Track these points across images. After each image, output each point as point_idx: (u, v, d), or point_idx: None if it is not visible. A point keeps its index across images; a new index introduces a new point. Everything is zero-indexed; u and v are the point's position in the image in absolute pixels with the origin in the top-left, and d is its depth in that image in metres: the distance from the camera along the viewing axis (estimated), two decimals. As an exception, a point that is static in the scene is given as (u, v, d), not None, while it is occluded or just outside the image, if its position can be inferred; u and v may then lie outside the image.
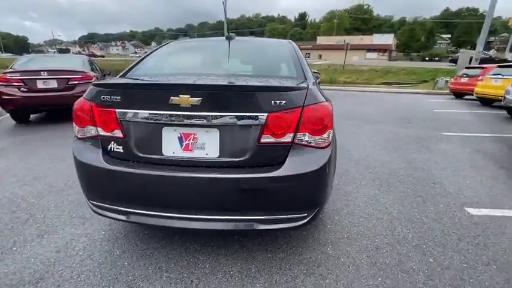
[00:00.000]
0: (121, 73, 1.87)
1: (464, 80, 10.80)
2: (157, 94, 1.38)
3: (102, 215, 1.54)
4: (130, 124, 1.41)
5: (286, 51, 2.07)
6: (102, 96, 1.43)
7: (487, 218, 2.22)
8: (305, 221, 1.45)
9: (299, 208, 1.44)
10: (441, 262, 1.71)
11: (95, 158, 1.45)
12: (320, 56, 54.68)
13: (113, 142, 1.46)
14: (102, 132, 1.47)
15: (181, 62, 2.10)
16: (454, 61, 25.55)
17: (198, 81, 1.47)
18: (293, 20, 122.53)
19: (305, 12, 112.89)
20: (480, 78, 9.29)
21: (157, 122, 1.38)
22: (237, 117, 1.33)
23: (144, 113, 1.37)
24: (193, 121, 1.34)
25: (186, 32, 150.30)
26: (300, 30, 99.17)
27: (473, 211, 2.33)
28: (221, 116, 1.33)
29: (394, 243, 1.89)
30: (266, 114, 1.33)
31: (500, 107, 7.34)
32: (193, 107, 1.32)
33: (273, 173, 1.33)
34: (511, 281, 1.57)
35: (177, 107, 1.33)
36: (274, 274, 1.59)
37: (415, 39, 64.50)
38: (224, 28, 21.27)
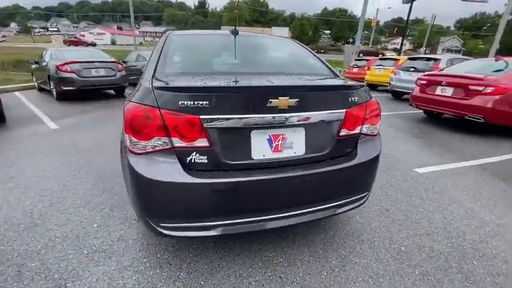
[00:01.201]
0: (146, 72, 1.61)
1: (356, 69, 13.47)
2: (252, 97, 1.32)
3: (178, 237, 1.37)
4: (216, 131, 1.30)
5: (302, 49, 2.23)
6: (180, 102, 1.24)
7: (432, 173, 3.10)
8: (365, 199, 1.73)
9: (364, 189, 1.70)
10: (416, 204, 2.41)
11: (175, 173, 1.27)
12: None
13: (195, 153, 1.30)
14: (179, 143, 1.29)
15: (208, 59, 1.93)
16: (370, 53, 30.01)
17: (280, 82, 1.50)
18: (192, 7, 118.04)
19: (205, 0, 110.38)
20: (367, 68, 11.85)
21: (246, 126, 1.32)
22: (323, 114, 1.44)
23: (235, 117, 1.29)
24: (285, 122, 1.37)
25: (61, 11, 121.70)
26: (202, 18, 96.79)
27: (420, 170, 3.19)
28: (310, 115, 1.41)
29: (381, 196, 2.44)
30: (344, 110, 1.50)
31: (386, 91, 9.63)
32: (289, 108, 1.34)
33: (354, 161, 1.53)
34: (455, 202, 2.36)
35: (272, 109, 1.32)
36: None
37: (305, 33, 73.79)
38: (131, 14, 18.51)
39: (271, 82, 1.43)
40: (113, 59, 7.68)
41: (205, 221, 1.36)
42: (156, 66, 1.64)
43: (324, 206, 1.55)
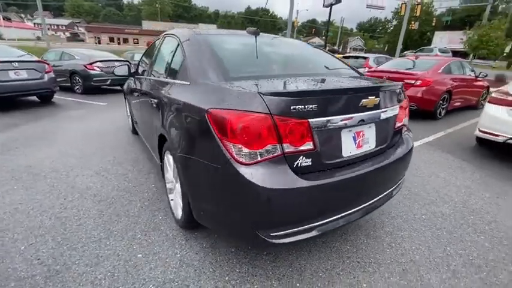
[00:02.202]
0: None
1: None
2: (350, 98, 1.39)
3: (285, 243, 1.35)
4: (318, 133, 1.33)
5: (323, 51, 2.39)
6: (292, 107, 1.22)
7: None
8: (404, 179, 2.02)
9: (405, 171, 1.98)
10: (409, 179, 2.90)
11: (289, 179, 1.25)
12: (148, 44, 51.30)
13: (302, 157, 1.30)
14: (289, 149, 1.27)
15: (257, 61, 1.85)
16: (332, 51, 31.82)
17: (366, 84, 1.65)
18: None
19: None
20: None
21: (340, 125, 1.40)
22: (390, 110, 1.64)
23: (335, 118, 1.35)
24: (367, 119, 1.50)
25: None
26: (116, 11, 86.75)
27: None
28: (383, 111, 1.58)
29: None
30: (398, 105, 1.73)
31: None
32: (374, 106, 1.48)
33: (407, 148, 1.79)
34: (432, 175, 2.97)
35: (361, 109, 1.43)
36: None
37: (232, 31, 74.44)
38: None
39: (345, 84, 1.53)
40: (36, 58, 6.27)
41: (310, 223, 1.38)
42: (216, 70, 1.54)
43: (388, 191, 1.76)
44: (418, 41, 56.24)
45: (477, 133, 3.76)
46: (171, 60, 2.09)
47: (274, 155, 1.26)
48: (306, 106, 1.26)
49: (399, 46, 19.87)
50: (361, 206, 1.59)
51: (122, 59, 8.45)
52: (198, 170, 1.43)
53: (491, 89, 6.88)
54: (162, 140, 2.03)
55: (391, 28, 72.61)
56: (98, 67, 7.62)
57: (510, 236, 2.06)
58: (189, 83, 1.65)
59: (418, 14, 35.04)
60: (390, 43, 62.21)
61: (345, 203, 1.51)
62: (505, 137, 3.36)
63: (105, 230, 1.95)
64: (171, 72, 2.06)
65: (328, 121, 1.34)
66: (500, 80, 12.53)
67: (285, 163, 1.28)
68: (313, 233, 1.40)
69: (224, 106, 1.28)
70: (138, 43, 52.68)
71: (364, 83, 1.71)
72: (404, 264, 1.73)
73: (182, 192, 1.70)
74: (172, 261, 1.67)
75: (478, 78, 6.89)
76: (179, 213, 1.88)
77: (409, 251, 1.85)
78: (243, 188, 1.23)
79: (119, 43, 53.03)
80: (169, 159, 1.89)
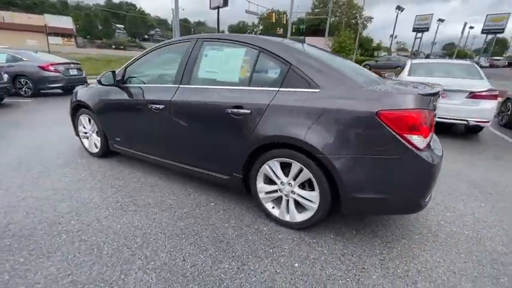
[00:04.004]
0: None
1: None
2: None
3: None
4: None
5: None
6: (430, 103, 1.67)
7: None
8: None
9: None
10: None
11: (436, 157, 1.71)
12: None
13: (428, 139, 1.73)
14: (431, 135, 1.72)
15: (343, 66, 2.07)
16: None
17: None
18: None
19: None
20: None
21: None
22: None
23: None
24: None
25: None
26: None
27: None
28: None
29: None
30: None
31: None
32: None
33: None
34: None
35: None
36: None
37: (94, 25, 63.14)
38: None
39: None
40: None
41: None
42: (348, 77, 1.77)
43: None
44: (281, 44, 66.60)
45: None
46: (253, 69, 2.03)
47: (430, 140, 1.68)
48: (433, 101, 1.74)
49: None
50: None
51: (75, 61, 8.55)
52: (370, 163, 1.64)
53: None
54: (256, 151, 1.98)
55: (259, 32, 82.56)
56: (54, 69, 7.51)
57: None
58: (319, 90, 1.76)
59: (273, 20, 41.77)
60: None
61: None
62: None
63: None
64: (260, 81, 2.04)
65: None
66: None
67: (430, 145, 1.72)
68: None
69: (395, 107, 1.56)
70: None
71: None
72: None
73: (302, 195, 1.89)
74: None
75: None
76: (296, 216, 1.96)
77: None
78: (424, 167, 1.59)
79: None
80: (295, 166, 1.86)
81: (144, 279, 1.55)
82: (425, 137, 1.60)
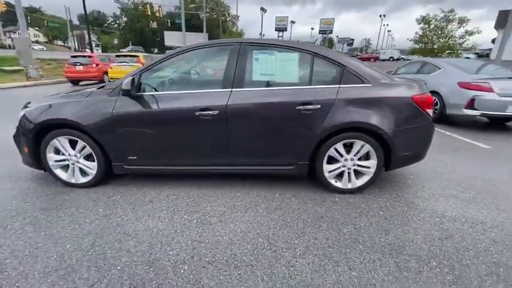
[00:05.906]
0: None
1: (81, 68, 11.87)
2: None
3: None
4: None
5: None
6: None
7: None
8: None
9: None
10: None
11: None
12: None
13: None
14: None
15: None
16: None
17: None
18: None
19: None
20: (110, 65, 11.46)
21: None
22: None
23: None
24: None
25: None
26: None
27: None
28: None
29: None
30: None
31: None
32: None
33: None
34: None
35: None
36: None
37: None
38: None
39: None
40: None
41: None
42: (378, 73, 2.51)
43: None
44: (151, 38, 62.46)
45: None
46: (311, 70, 2.41)
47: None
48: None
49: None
50: None
51: None
52: (408, 131, 2.42)
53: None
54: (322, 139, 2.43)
55: (123, 25, 72.65)
56: None
57: None
58: (370, 85, 2.37)
59: (149, 13, 38.78)
60: (127, 39, 63.22)
61: None
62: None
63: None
64: (319, 81, 2.47)
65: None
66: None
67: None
68: None
69: (418, 92, 2.41)
70: None
71: None
72: None
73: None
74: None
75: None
76: (357, 182, 2.58)
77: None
78: (431, 130, 2.53)
79: None
80: (358, 144, 2.43)
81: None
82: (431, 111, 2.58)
